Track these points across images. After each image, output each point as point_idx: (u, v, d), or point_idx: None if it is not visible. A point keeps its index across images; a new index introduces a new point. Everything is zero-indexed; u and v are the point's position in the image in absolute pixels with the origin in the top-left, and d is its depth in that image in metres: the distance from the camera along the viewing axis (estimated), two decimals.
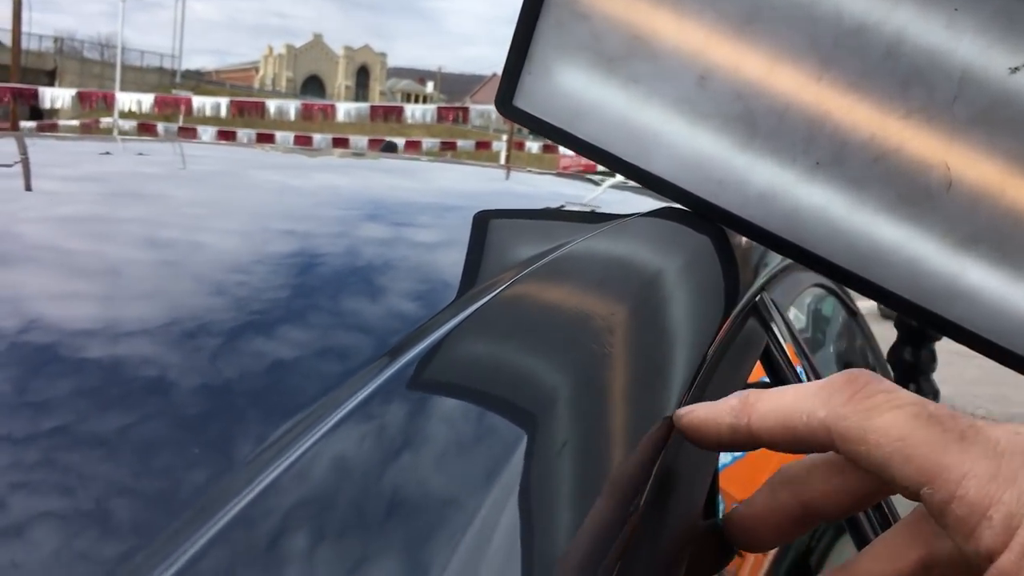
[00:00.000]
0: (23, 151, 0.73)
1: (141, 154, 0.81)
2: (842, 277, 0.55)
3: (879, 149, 0.51)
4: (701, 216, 0.57)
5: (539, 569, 0.23)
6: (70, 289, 0.35)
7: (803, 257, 0.56)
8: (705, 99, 0.54)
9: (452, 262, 0.47)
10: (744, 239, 0.58)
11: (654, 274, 0.47)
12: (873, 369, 1.51)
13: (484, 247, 0.53)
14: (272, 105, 16.95)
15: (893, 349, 0.71)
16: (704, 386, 0.41)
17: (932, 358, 0.66)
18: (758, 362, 0.59)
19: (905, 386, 0.69)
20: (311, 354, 0.31)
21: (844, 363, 1.43)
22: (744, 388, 0.47)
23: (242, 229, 0.48)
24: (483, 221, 0.58)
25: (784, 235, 0.56)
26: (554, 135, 0.58)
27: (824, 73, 0.51)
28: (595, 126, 0.57)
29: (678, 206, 0.58)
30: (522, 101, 0.58)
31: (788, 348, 0.61)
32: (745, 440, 0.30)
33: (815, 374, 0.67)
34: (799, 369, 0.63)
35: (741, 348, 0.50)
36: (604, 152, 0.57)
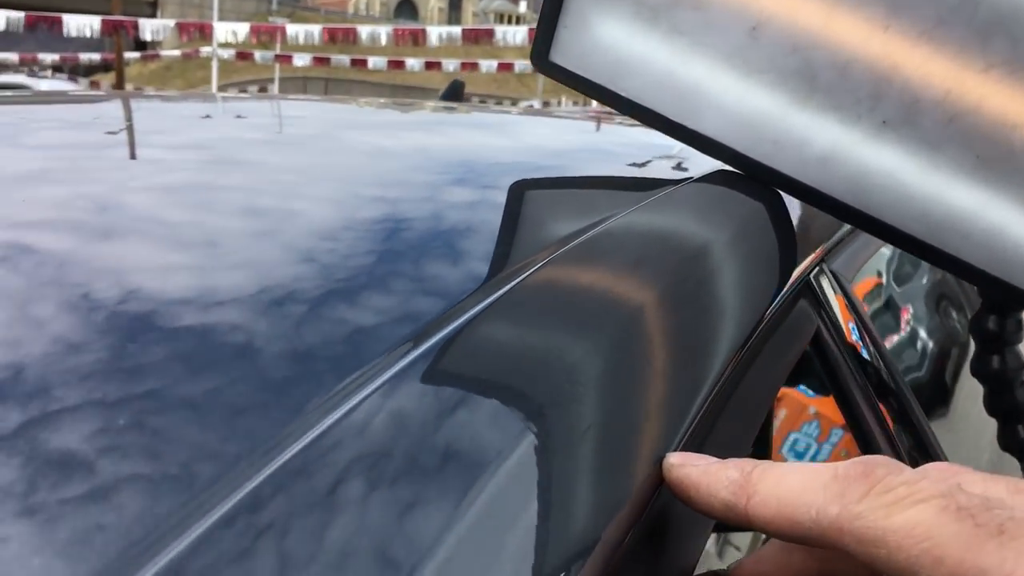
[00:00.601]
0: (128, 117, 0.77)
1: (239, 116, 0.84)
2: (913, 247, 0.50)
3: (955, 107, 0.45)
4: (757, 180, 0.52)
5: (546, 558, 0.23)
6: (167, 260, 0.37)
7: (869, 225, 0.50)
8: (758, 52, 0.49)
9: (487, 239, 0.45)
10: (803, 205, 0.53)
11: (696, 250, 0.43)
12: (961, 293, 1.41)
13: (523, 223, 0.50)
14: (364, 32, 16.96)
15: (976, 318, 0.65)
16: (740, 377, 0.37)
17: (1019, 327, 0.60)
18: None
19: (988, 358, 0.63)
20: (370, 323, 0.32)
21: (925, 339, 1.35)
22: (783, 381, 0.43)
23: (332, 197, 0.49)
24: (527, 192, 0.54)
25: (848, 201, 0.50)
26: (595, 92, 0.54)
27: (891, 21, 0.45)
28: (638, 82, 0.52)
29: (733, 169, 0.53)
30: (559, 56, 0.54)
31: (846, 329, 0.56)
32: (741, 522, 0.26)
33: (879, 354, 0.62)
34: (863, 351, 0.59)
35: (789, 332, 0.46)
36: (649, 111, 0.53)
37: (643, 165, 0.70)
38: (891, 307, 1.28)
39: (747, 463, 0.26)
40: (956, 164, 0.47)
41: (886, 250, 1.37)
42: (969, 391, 0.94)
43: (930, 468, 0.26)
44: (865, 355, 0.60)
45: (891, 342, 1.21)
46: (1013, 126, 0.44)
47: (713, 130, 0.52)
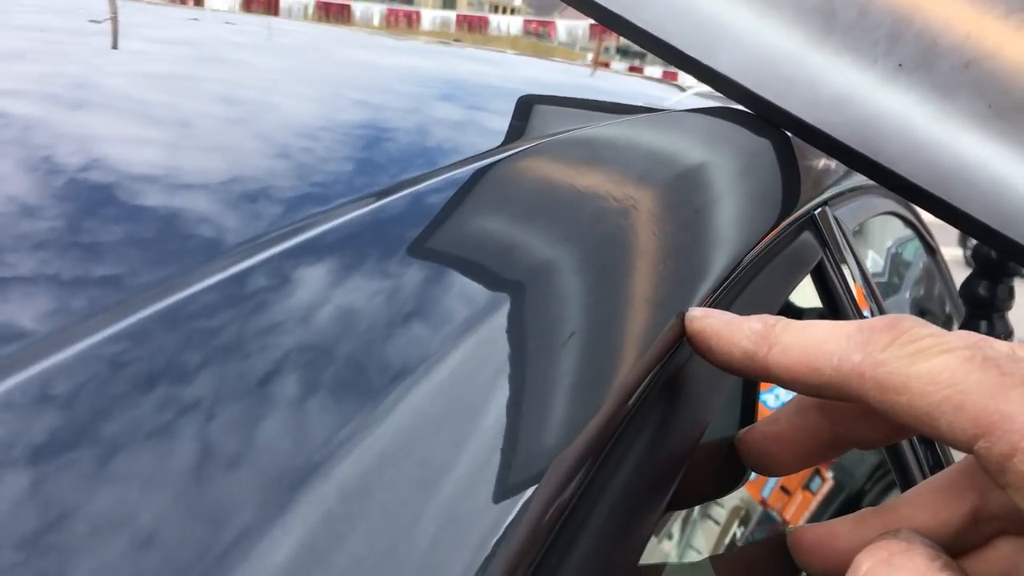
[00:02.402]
0: (113, 9, 0.74)
1: (228, 23, 0.82)
2: (917, 196, 0.50)
3: (972, 52, 0.45)
4: (764, 120, 0.52)
5: (516, 458, 0.21)
6: (137, 134, 0.35)
7: (875, 172, 0.50)
8: None
9: (481, 133, 0.44)
10: (809, 153, 0.52)
11: (696, 165, 0.42)
12: (945, 307, 1.43)
13: (521, 117, 0.49)
14: (358, 9, 16.83)
15: (967, 283, 0.65)
16: (736, 293, 0.37)
17: (1010, 295, 0.60)
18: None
19: (976, 324, 0.64)
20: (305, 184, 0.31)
21: (913, 298, 1.36)
22: (783, 306, 0.43)
23: (311, 92, 0.48)
24: (528, 101, 0.54)
25: (856, 146, 0.50)
26: (611, 21, 0.53)
27: None
28: (654, 13, 0.52)
29: (740, 107, 0.53)
30: None
31: (847, 271, 0.56)
32: (759, 372, 0.25)
33: (875, 301, 0.62)
34: (857, 297, 0.59)
35: (789, 260, 0.46)
36: (664, 43, 0.52)
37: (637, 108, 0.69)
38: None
39: (770, 317, 0.26)
40: (967, 112, 0.47)
41: (877, 257, 1.38)
42: None
43: (957, 332, 0.25)
44: (859, 299, 0.60)
45: None
46: None
47: (726, 66, 0.51)
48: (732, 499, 1.51)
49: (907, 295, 1.46)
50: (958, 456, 0.26)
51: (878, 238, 1.41)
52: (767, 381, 0.25)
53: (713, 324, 0.27)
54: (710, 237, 0.37)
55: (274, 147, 0.36)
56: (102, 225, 0.26)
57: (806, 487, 1.57)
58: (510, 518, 0.19)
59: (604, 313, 0.27)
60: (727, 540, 0.89)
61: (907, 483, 0.55)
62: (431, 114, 0.46)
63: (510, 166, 0.34)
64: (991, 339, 0.24)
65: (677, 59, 0.53)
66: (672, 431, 0.27)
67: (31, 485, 0.16)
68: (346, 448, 0.18)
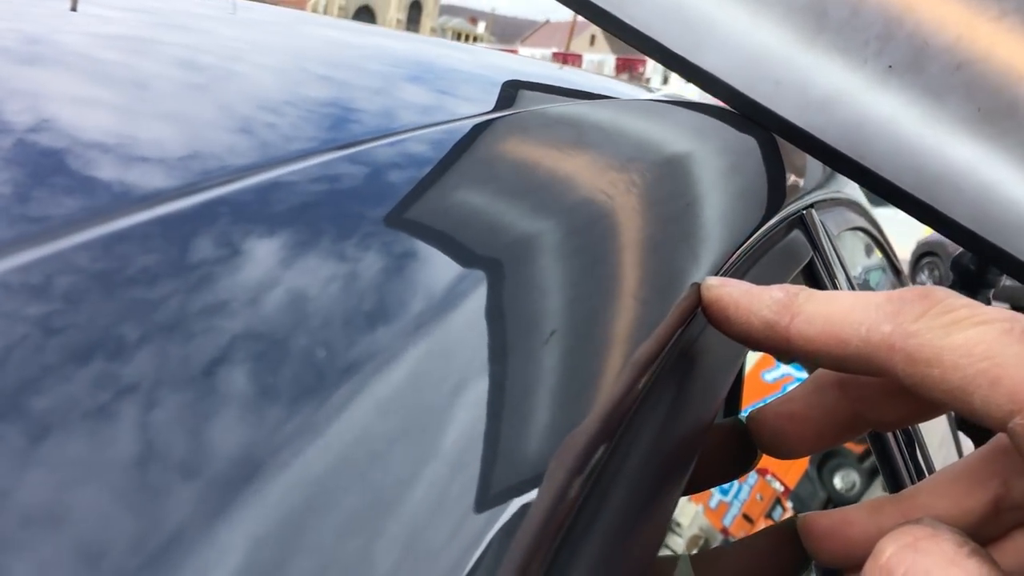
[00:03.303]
0: None
1: None
2: (902, 200, 0.50)
3: (964, 54, 0.45)
4: (751, 121, 0.51)
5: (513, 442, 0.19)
6: (90, 94, 0.33)
7: (860, 175, 0.50)
8: None
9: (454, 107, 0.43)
10: (796, 152, 0.52)
11: (686, 155, 0.41)
12: None
13: (495, 99, 0.48)
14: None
15: (959, 256, 0.65)
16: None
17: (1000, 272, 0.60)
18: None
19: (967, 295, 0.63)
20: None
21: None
22: None
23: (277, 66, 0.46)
24: (497, 84, 0.52)
25: (843, 149, 0.50)
26: (599, 18, 0.53)
27: None
28: (643, 10, 0.51)
29: (726, 107, 0.52)
30: None
31: (837, 273, 0.56)
32: (778, 344, 0.24)
33: None
34: None
35: (780, 256, 0.45)
36: (651, 40, 0.52)
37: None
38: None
39: (792, 287, 0.24)
40: (957, 116, 0.47)
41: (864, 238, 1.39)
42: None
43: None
44: None
45: None
46: (1020, 77, 0.44)
47: (714, 65, 0.51)
48: (692, 527, 1.50)
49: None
50: (968, 448, 0.25)
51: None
52: (787, 355, 0.24)
53: (732, 292, 0.25)
54: (700, 231, 0.36)
55: (229, 111, 0.34)
56: (35, 175, 0.24)
57: (768, 515, 1.56)
58: (524, 502, 0.18)
59: (605, 297, 0.26)
60: None
61: (896, 486, 0.54)
62: (397, 89, 0.44)
63: (492, 132, 0.33)
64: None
65: (664, 57, 0.52)
66: (687, 409, 0.26)
67: None
68: (336, 424, 0.17)
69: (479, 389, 0.20)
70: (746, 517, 1.52)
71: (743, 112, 0.51)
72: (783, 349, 0.24)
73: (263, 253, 0.20)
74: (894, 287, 1.50)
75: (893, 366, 0.22)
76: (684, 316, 0.26)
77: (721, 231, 0.38)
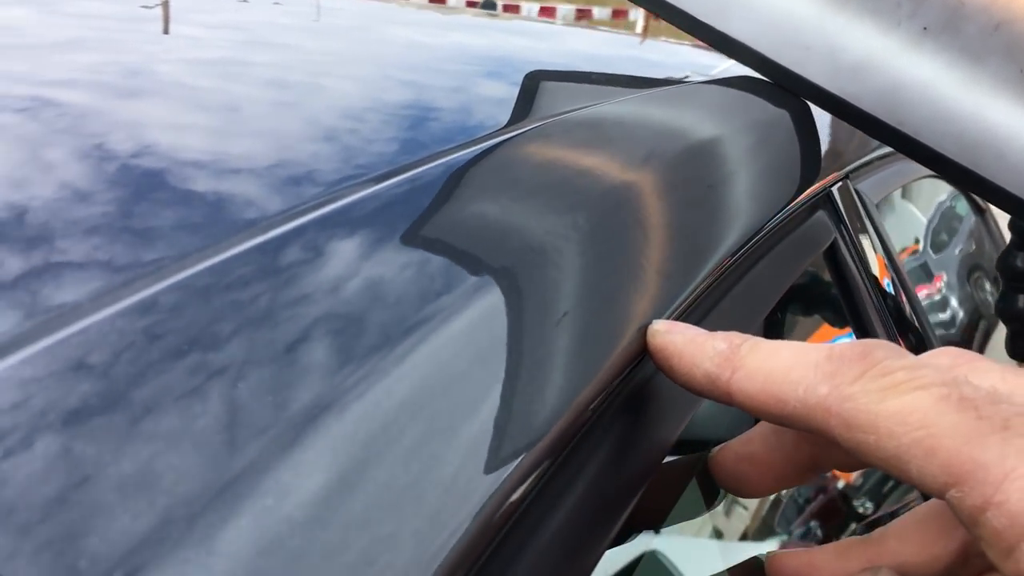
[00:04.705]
0: None
1: (277, 3, 0.82)
2: (944, 167, 0.47)
3: (1002, 13, 0.42)
4: (782, 88, 0.49)
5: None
6: (186, 120, 0.36)
7: (900, 142, 0.48)
8: None
9: (487, 116, 0.43)
10: (832, 120, 0.50)
11: (701, 141, 0.40)
12: (989, 316, 1.37)
13: (539, 94, 0.48)
14: None
15: (1003, 255, 0.61)
16: (739, 277, 0.35)
17: None
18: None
19: (1013, 298, 0.60)
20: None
21: (963, 254, 1.30)
22: (785, 288, 0.41)
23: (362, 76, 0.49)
24: (523, 77, 0.52)
25: (879, 115, 0.47)
26: None
27: None
28: None
29: (757, 75, 0.50)
30: None
31: (867, 246, 0.54)
32: (721, 397, 0.23)
33: (903, 289, 0.59)
34: (886, 280, 0.56)
35: (798, 242, 0.43)
36: (675, 8, 0.50)
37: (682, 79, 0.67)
38: (926, 273, 1.26)
39: (738, 336, 0.24)
40: (998, 77, 0.44)
41: (920, 215, 1.33)
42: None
43: (941, 353, 0.23)
44: (888, 289, 0.58)
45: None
46: None
47: (741, 32, 0.49)
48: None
49: (956, 251, 1.41)
50: None
51: (926, 192, 1.35)
52: (732, 406, 0.24)
53: (676, 341, 0.25)
54: (712, 219, 0.36)
55: (317, 128, 0.36)
56: (149, 208, 0.27)
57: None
58: (455, 517, 0.18)
59: (600, 294, 0.26)
60: None
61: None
62: (476, 92, 0.46)
63: (511, 148, 0.33)
64: (978, 362, 0.22)
65: (689, 24, 0.50)
66: (635, 444, 0.26)
67: (64, 444, 0.16)
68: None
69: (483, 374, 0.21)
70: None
71: (775, 80, 0.49)
72: (727, 402, 0.23)
73: (359, 252, 0.24)
74: (973, 229, 1.43)
75: (830, 429, 0.21)
76: (632, 358, 0.25)
77: (742, 213, 0.38)
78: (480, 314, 0.23)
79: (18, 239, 0.24)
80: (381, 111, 0.40)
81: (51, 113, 0.34)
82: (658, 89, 0.45)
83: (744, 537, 0.92)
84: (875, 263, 0.54)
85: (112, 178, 0.28)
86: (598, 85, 0.55)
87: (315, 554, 0.16)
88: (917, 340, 0.59)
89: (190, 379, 0.18)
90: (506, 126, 0.37)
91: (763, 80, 0.50)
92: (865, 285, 0.51)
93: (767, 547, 0.89)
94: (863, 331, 0.52)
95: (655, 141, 0.38)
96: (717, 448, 0.27)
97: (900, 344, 0.54)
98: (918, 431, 0.19)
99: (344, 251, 0.24)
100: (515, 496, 0.20)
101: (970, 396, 0.20)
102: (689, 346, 0.24)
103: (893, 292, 0.57)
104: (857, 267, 0.51)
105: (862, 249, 0.52)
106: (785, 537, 0.91)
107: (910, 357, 0.21)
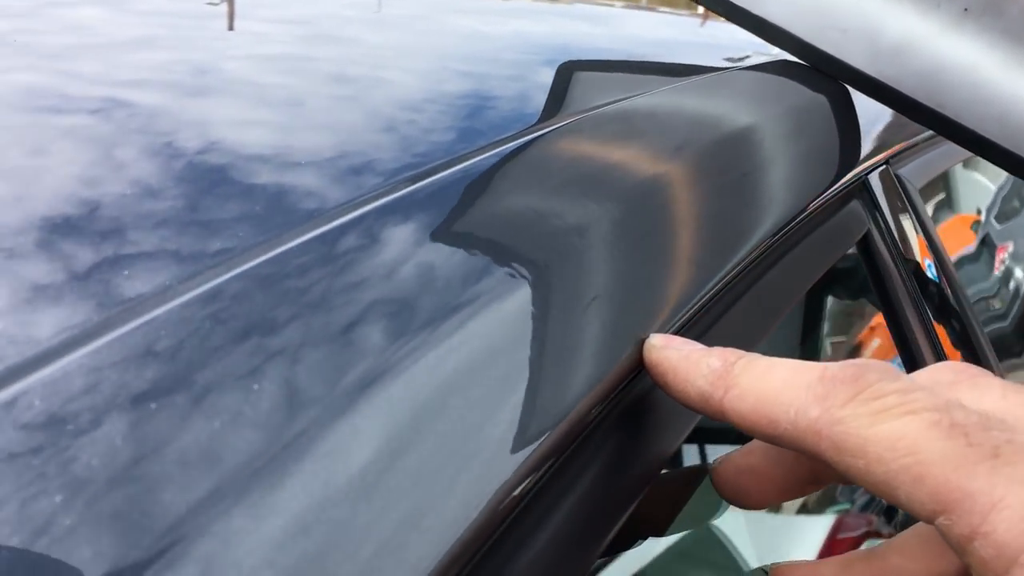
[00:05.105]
0: None
1: None
2: (986, 150, 0.46)
3: None
4: (821, 72, 0.49)
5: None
6: (253, 117, 0.37)
7: (940, 125, 0.47)
8: None
9: (524, 108, 0.44)
10: (872, 101, 0.49)
11: (736, 131, 0.40)
12: None
13: (562, 88, 0.48)
14: None
15: None
16: (764, 270, 0.35)
17: None
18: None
19: None
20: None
21: (1021, 279, 1.27)
22: (813, 281, 0.40)
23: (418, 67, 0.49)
24: (574, 67, 0.52)
25: (919, 97, 0.47)
26: None
27: None
28: None
29: (795, 60, 0.50)
30: None
31: (908, 229, 0.53)
32: (715, 415, 0.24)
33: (945, 275, 0.57)
34: (928, 263, 0.55)
35: (832, 232, 0.43)
36: None
37: (740, 60, 0.67)
38: (987, 244, 1.22)
39: (732, 353, 0.24)
40: None
41: (988, 183, 1.29)
42: None
43: (943, 368, 0.23)
44: (930, 274, 0.56)
45: (981, 278, 1.15)
46: None
47: (778, 16, 0.48)
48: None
49: (990, 236, 1.36)
50: None
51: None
52: (727, 423, 0.24)
53: (671, 357, 0.25)
54: (745, 208, 0.36)
55: (376, 120, 0.38)
56: (215, 202, 0.28)
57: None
58: (444, 517, 0.19)
59: (625, 286, 0.27)
60: None
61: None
62: (535, 82, 0.47)
63: (545, 144, 0.33)
64: (980, 380, 0.22)
65: (726, 9, 0.50)
66: (636, 451, 0.26)
67: (133, 422, 0.18)
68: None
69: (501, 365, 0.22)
70: None
71: (813, 64, 0.49)
72: (720, 420, 0.24)
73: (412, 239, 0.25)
74: None
75: (821, 452, 0.21)
76: (627, 374, 0.26)
77: (777, 200, 0.38)
78: (511, 306, 0.23)
79: (94, 234, 0.25)
80: (439, 102, 0.41)
81: (123, 113, 0.36)
82: (698, 79, 0.44)
83: (805, 507, 0.92)
84: (917, 249, 0.53)
85: (180, 175, 0.30)
86: (646, 75, 0.55)
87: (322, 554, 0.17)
88: (960, 327, 0.58)
89: (250, 360, 0.20)
90: (552, 117, 0.37)
91: (802, 65, 0.49)
92: (901, 275, 0.51)
93: (828, 519, 0.88)
94: (896, 323, 0.51)
95: (689, 131, 0.38)
96: (718, 460, 0.27)
97: (939, 333, 0.53)
98: (906, 457, 0.19)
99: (390, 243, 0.25)
100: (516, 492, 0.21)
101: (961, 422, 0.19)
102: (683, 363, 0.24)
103: (936, 278, 0.56)
104: (893, 257, 0.50)
105: (900, 237, 0.51)
106: (848, 506, 0.90)
107: (904, 379, 0.21)
